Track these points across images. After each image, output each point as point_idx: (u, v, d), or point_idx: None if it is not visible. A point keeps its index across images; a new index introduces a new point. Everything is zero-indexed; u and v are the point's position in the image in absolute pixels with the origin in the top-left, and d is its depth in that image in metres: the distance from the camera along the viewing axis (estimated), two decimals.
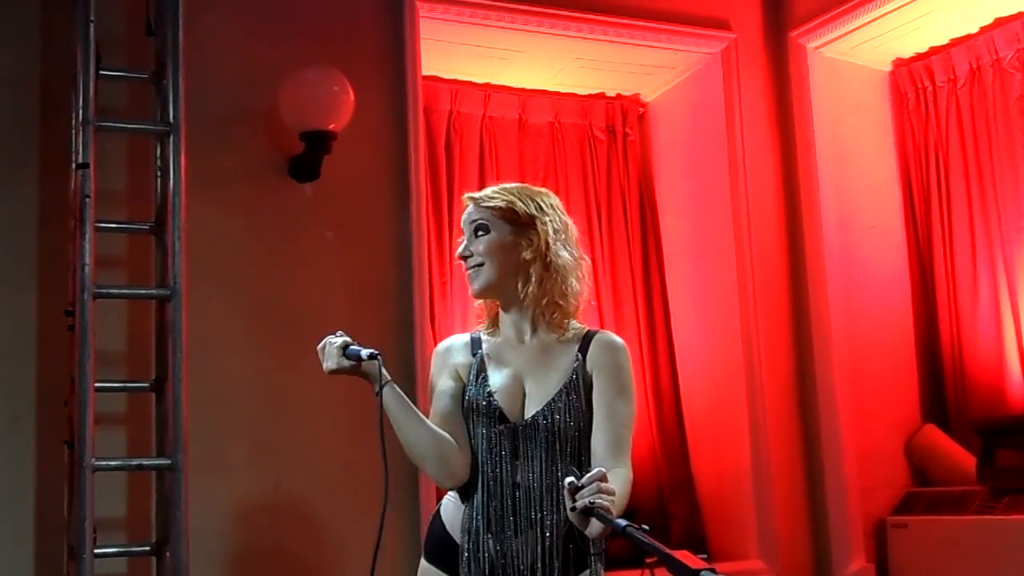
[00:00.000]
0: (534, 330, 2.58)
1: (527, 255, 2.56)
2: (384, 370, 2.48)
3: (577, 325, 2.60)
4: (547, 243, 2.55)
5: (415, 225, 4.40)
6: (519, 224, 2.57)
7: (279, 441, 4.06)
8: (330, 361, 2.48)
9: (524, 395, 2.54)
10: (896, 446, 5.25)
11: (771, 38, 5.36)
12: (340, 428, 4.13)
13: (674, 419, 5.37)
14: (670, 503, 5.26)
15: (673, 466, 5.31)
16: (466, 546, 2.50)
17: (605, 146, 5.58)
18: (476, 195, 2.63)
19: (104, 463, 3.53)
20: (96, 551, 3.43)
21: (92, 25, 3.64)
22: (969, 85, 5.20)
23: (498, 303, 2.63)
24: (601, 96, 5.62)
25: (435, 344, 3.04)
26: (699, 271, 5.39)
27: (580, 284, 2.60)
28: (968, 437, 5.08)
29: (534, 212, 2.58)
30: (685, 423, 5.38)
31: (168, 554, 3.57)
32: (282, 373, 4.09)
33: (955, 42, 5.25)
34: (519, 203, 2.57)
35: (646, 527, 2.04)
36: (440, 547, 2.57)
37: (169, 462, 3.58)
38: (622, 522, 2.05)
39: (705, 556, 4.84)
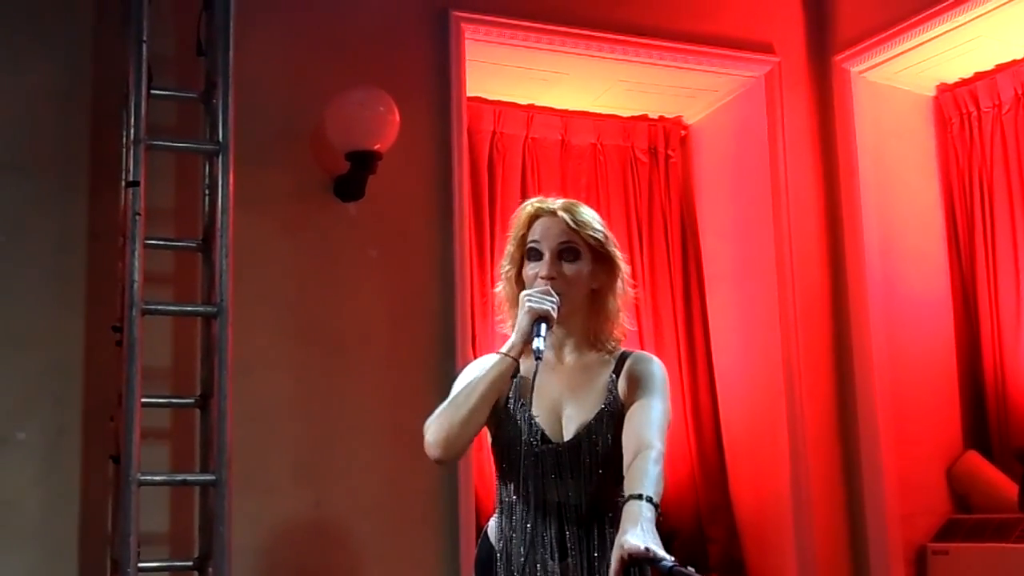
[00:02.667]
0: (577, 351, 2.57)
1: (595, 285, 2.55)
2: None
3: (614, 346, 2.59)
4: (620, 282, 2.56)
5: (458, 245, 4.43)
6: (598, 256, 2.54)
7: (321, 458, 4.08)
8: (543, 305, 2.41)
9: (562, 417, 2.51)
10: (938, 472, 5.20)
11: (815, 62, 5.35)
12: (381, 446, 4.15)
13: (713, 442, 5.36)
14: (708, 526, 5.24)
15: (712, 490, 5.30)
16: (500, 561, 2.49)
17: (647, 168, 5.59)
18: (572, 216, 2.53)
19: (149, 478, 3.57)
20: (140, 565, 3.46)
21: (144, 45, 3.69)
22: (1014, 111, 5.17)
23: None
24: (644, 118, 5.62)
25: None
26: (740, 294, 5.38)
27: (628, 316, 2.61)
28: (1010, 464, 5.04)
29: (614, 250, 2.56)
30: (724, 446, 5.36)
31: (211, 569, 3.59)
32: (325, 391, 4.12)
33: (1000, 68, 5.23)
34: (610, 240, 2.55)
35: (691, 569, 2.00)
36: (489, 567, 2.54)
37: (213, 478, 3.60)
38: (668, 562, 2.02)
39: None
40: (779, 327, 5.10)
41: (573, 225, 2.51)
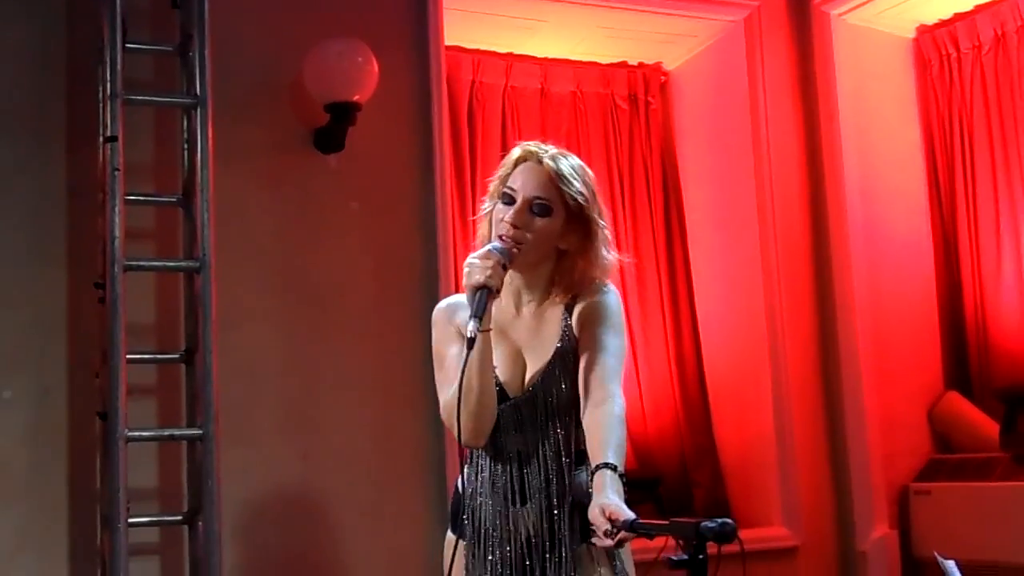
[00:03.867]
0: (536, 303, 2.52)
1: (564, 246, 2.48)
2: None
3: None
4: (596, 250, 2.48)
5: (439, 195, 4.41)
6: (574, 217, 2.46)
7: (307, 411, 4.09)
8: (479, 276, 2.33)
9: (524, 367, 2.50)
10: (919, 413, 5.26)
11: (794, 5, 5.33)
12: (367, 397, 4.17)
13: (697, 387, 5.39)
14: (693, 471, 5.29)
15: (696, 434, 5.34)
16: (465, 508, 2.51)
17: (627, 115, 5.57)
18: (557, 169, 2.45)
19: (136, 434, 3.57)
20: (129, 521, 3.46)
21: None
22: (994, 52, 5.17)
23: None
24: (623, 65, 5.60)
25: None
26: (722, 239, 5.39)
27: (605, 276, 2.53)
28: (991, 404, 5.10)
29: (594, 215, 2.47)
30: (708, 391, 5.40)
31: (200, 523, 3.61)
32: (310, 343, 4.12)
33: (980, 8, 5.22)
34: (593, 204, 2.47)
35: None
36: (457, 514, 2.58)
37: (200, 432, 3.61)
38: (629, 517, 2.08)
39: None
40: (761, 271, 5.12)
41: (555, 179, 2.44)
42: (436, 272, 4.34)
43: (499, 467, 2.49)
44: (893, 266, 5.25)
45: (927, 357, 5.33)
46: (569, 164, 2.48)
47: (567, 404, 2.45)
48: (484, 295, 2.32)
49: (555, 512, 2.43)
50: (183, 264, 3.82)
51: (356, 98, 4.11)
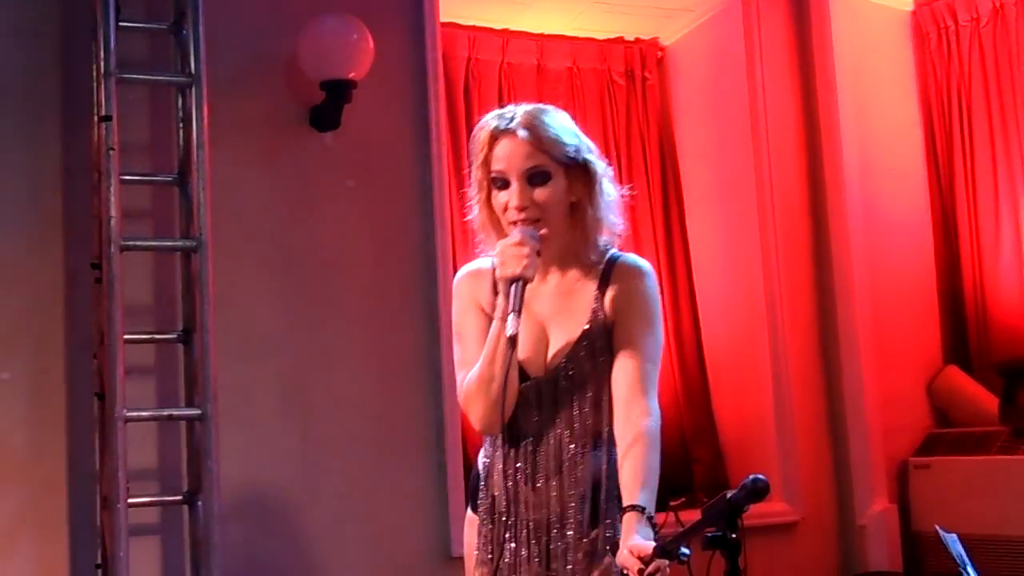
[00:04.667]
0: (560, 268, 2.43)
1: (573, 199, 2.39)
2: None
3: (601, 255, 2.43)
4: (600, 187, 2.40)
5: (436, 172, 4.39)
6: (572, 169, 2.38)
7: (306, 389, 4.08)
8: (514, 267, 2.26)
9: (548, 343, 2.41)
10: (918, 388, 5.27)
11: None
12: (365, 375, 4.16)
13: (696, 364, 5.39)
14: (693, 448, 5.29)
15: (695, 411, 5.34)
16: (483, 490, 2.47)
17: (624, 91, 5.55)
18: (536, 135, 2.35)
19: (135, 414, 3.56)
20: (129, 501, 3.46)
21: None
22: (992, 24, 5.15)
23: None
24: (620, 40, 5.58)
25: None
26: (720, 215, 5.38)
27: (619, 218, 2.45)
28: (990, 378, 5.10)
29: (588, 156, 2.40)
30: (707, 368, 5.40)
31: (200, 503, 3.60)
32: (308, 322, 4.11)
33: None
34: (583, 147, 2.39)
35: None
36: (476, 493, 2.53)
37: (199, 412, 3.60)
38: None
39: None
40: (759, 248, 5.11)
41: (538, 145, 2.35)
42: (433, 249, 4.33)
43: (514, 448, 2.42)
44: (892, 241, 5.24)
45: (926, 332, 5.33)
46: (545, 122, 2.37)
47: (588, 385, 2.38)
48: (520, 288, 2.26)
49: (569, 494, 2.37)
50: (180, 243, 3.80)
51: (351, 75, 4.09)
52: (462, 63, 5.18)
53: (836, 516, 5.09)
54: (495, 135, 2.38)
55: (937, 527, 2.81)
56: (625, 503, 2.23)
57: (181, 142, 3.81)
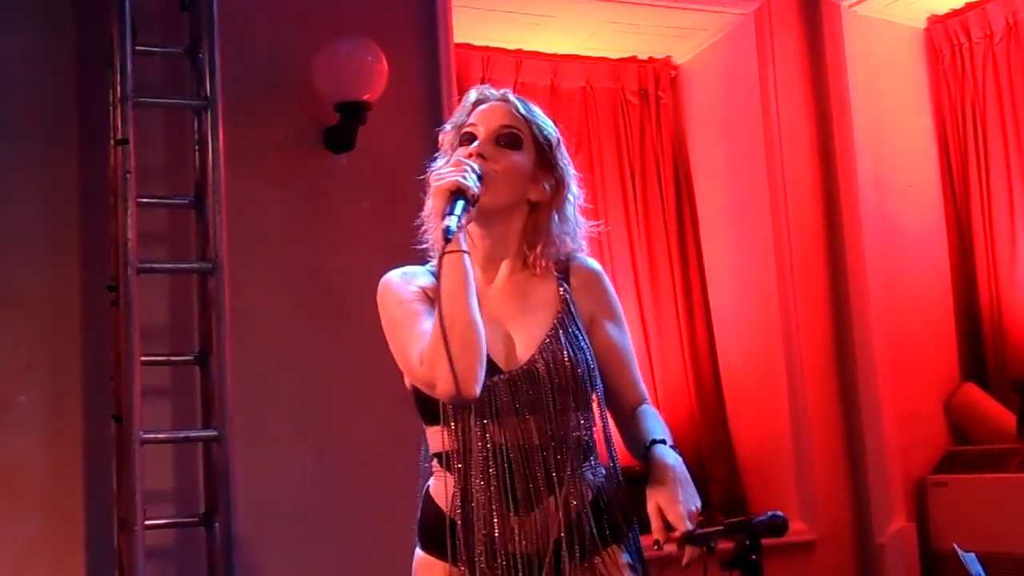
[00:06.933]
0: (509, 272, 2.18)
1: (534, 197, 2.16)
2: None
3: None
4: (568, 206, 2.18)
5: None
6: (545, 160, 2.16)
7: (322, 410, 4.09)
8: (451, 178, 1.97)
9: (511, 339, 2.12)
10: (935, 405, 5.24)
11: None
12: (381, 395, 4.14)
13: (712, 382, 5.38)
14: (709, 465, 5.28)
15: (712, 429, 5.33)
16: (456, 528, 2.08)
17: (638, 110, 5.56)
18: (522, 104, 2.17)
19: (152, 436, 3.58)
20: (146, 523, 3.47)
21: (127, 1, 3.64)
22: (1006, 41, 5.14)
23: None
24: (633, 60, 5.59)
25: None
26: (735, 234, 5.38)
27: (582, 242, 2.23)
28: (1007, 395, 5.08)
29: (564, 164, 2.17)
30: (723, 385, 5.39)
31: (217, 524, 3.61)
32: (323, 343, 4.11)
33: None
34: (562, 151, 2.18)
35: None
36: (438, 531, 2.13)
37: (216, 433, 3.61)
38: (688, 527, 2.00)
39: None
40: (774, 265, 5.11)
41: (522, 112, 2.15)
42: None
43: (494, 468, 2.04)
44: (907, 257, 5.23)
45: (943, 349, 5.31)
46: (530, 104, 2.20)
47: (574, 383, 2.07)
48: (463, 206, 1.93)
49: (574, 515, 2.06)
50: (196, 266, 3.82)
51: (366, 97, 4.11)
52: (476, 83, 5.18)
53: (854, 535, 5.07)
54: (481, 99, 2.21)
55: (955, 545, 2.80)
56: (647, 441, 2.07)
57: (197, 165, 3.84)
